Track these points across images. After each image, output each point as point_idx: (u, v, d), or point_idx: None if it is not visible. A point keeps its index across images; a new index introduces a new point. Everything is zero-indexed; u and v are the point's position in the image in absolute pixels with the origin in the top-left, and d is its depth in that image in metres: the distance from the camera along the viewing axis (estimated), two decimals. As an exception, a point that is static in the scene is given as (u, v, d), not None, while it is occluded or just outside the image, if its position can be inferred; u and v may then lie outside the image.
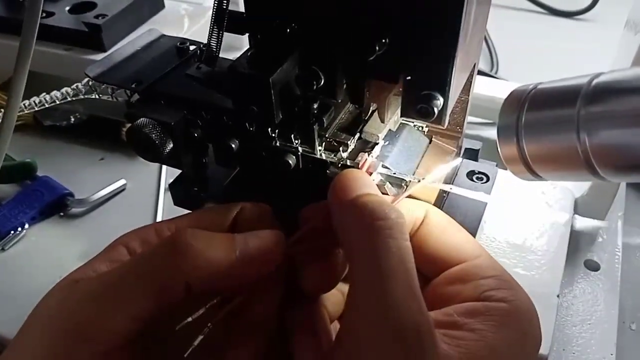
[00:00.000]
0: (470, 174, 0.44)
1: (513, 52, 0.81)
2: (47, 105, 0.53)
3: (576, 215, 0.49)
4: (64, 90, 0.52)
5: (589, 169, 0.27)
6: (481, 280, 0.27)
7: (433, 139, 0.43)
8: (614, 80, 0.26)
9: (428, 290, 0.29)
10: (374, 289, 0.24)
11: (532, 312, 0.27)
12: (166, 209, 0.57)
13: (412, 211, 0.30)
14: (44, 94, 0.55)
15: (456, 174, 0.44)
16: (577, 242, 0.50)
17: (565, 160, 0.27)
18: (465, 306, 0.26)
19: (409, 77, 0.32)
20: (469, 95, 0.40)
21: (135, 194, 0.60)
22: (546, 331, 0.37)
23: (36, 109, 0.54)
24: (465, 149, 0.45)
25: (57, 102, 0.53)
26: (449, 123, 0.41)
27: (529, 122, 0.29)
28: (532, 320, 0.27)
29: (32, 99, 0.53)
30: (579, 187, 0.50)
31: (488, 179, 0.44)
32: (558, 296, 0.39)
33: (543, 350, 0.36)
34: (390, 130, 0.40)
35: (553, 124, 0.27)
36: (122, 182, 0.60)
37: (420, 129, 0.43)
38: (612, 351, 0.43)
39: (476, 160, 0.45)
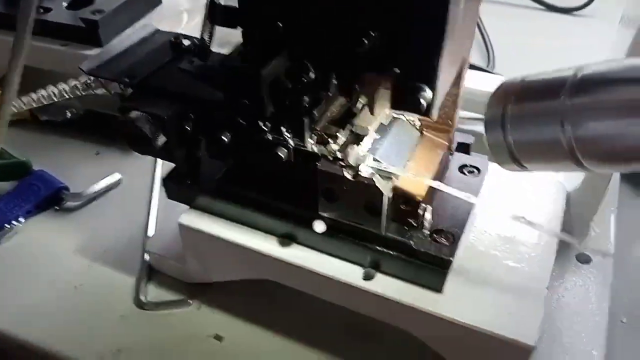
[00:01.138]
0: (462, 168, 0.45)
1: (509, 47, 0.80)
2: (45, 103, 0.54)
3: (568, 209, 0.50)
4: (61, 87, 0.52)
5: (573, 160, 0.27)
6: None
7: (424, 133, 0.43)
8: (597, 73, 0.26)
9: None
10: None
11: None
12: (161, 202, 0.58)
13: None
14: (42, 90, 0.55)
15: (448, 167, 0.44)
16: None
17: (550, 152, 0.28)
18: None
19: (397, 70, 0.32)
20: (459, 89, 0.40)
21: (130, 188, 0.60)
22: (535, 323, 0.37)
23: (34, 105, 0.54)
24: (458, 143, 0.46)
25: (56, 100, 0.54)
26: (440, 117, 0.42)
27: (515, 114, 0.29)
28: None
29: (30, 95, 0.53)
30: (571, 180, 0.50)
31: (479, 172, 0.44)
32: (547, 288, 0.40)
33: (532, 342, 0.36)
34: (381, 123, 0.40)
35: (538, 116, 0.28)
36: (117, 176, 0.60)
37: (412, 122, 0.43)
38: (603, 344, 0.44)
39: (468, 154, 0.46)
